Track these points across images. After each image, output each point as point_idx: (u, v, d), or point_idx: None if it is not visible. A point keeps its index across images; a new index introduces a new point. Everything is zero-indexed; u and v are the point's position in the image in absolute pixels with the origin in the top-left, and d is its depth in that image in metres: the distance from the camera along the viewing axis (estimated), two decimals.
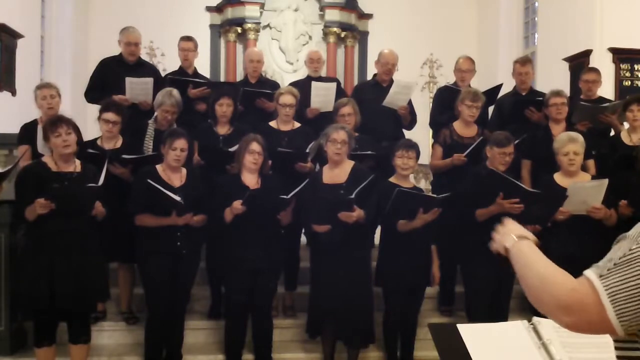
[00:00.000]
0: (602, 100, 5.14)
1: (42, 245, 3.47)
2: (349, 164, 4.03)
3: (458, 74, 5.28)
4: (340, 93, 5.47)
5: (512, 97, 5.25)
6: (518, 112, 4.97)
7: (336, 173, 4.00)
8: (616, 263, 1.08)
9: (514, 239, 1.34)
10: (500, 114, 5.24)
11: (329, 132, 4.00)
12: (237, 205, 3.74)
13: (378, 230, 4.44)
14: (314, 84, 5.06)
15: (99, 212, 3.62)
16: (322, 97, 4.99)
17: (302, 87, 5.01)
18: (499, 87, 5.16)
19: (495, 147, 3.98)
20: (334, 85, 5.11)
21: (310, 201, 3.89)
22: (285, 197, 3.76)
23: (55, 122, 3.52)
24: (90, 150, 3.95)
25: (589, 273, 1.11)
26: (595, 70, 5.21)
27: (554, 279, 1.15)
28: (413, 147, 4.08)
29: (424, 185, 7.00)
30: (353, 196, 3.73)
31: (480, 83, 5.40)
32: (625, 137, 4.63)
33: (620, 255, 1.08)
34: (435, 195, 3.91)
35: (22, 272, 3.59)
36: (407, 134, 5.22)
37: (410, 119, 5.14)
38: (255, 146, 3.91)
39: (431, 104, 5.37)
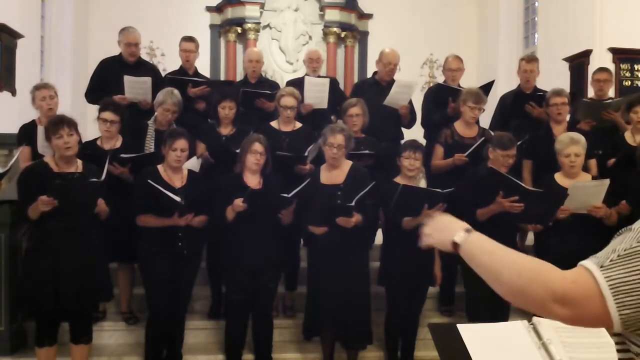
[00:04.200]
0: (610, 99, 5.15)
1: (45, 244, 3.47)
2: (347, 164, 4.03)
3: (448, 73, 5.28)
4: (338, 94, 5.48)
5: (515, 94, 5.25)
6: (519, 108, 4.97)
7: (334, 174, 4.00)
8: (620, 255, 1.06)
9: (463, 233, 1.28)
10: (503, 111, 5.24)
11: (326, 134, 4.00)
12: (238, 202, 3.74)
13: (379, 230, 4.44)
14: (307, 79, 5.07)
15: (102, 210, 3.61)
16: (315, 92, 4.99)
17: (300, 85, 5.01)
18: (491, 83, 5.14)
19: (499, 149, 3.98)
20: (327, 81, 5.11)
21: (308, 202, 3.88)
22: (286, 195, 3.76)
23: (57, 123, 3.51)
24: (88, 152, 3.94)
25: (588, 264, 1.08)
26: (606, 70, 5.20)
27: (547, 271, 1.11)
28: (419, 147, 4.08)
29: (425, 185, 6.99)
30: (353, 203, 3.72)
31: (480, 83, 5.39)
32: (629, 138, 4.62)
33: (626, 247, 1.06)
34: (440, 190, 3.90)
35: (26, 272, 3.58)
36: (406, 133, 5.22)
37: (410, 118, 5.14)
38: (257, 146, 3.91)
39: (422, 103, 5.33)
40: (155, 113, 4.58)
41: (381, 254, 4.23)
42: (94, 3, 9.14)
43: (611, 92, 6.37)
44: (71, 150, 3.51)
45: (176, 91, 4.55)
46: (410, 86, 5.05)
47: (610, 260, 1.06)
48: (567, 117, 4.79)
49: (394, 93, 4.92)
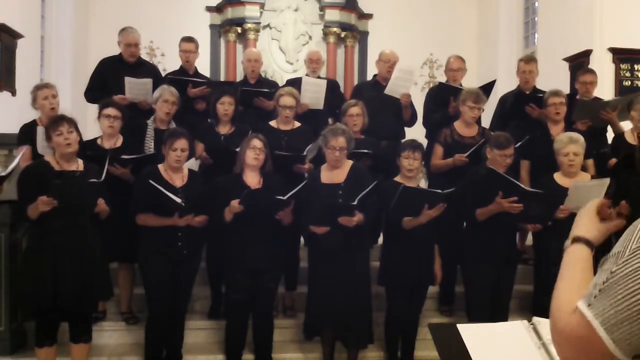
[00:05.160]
0: (599, 100, 5.14)
1: (44, 244, 3.46)
2: (347, 164, 4.03)
3: (449, 73, 5.28)
4: (338, 96, 5.48)
5: (515, 95, 5.25)
6: (518, 108, 4.96)
7: (335, 173, 4.00)
8: (601, 288, 1.05)
9: (569, 241, 1.34)
10: (502, 112, 5.24)
11: (327, 136, 3.99)
12: (235, 204, 3.74)
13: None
14: (304, 79, 5.06)
15: (102, 210, 3.61)
16: (312, 92, 4.98)
17: (299, 85, 5.01)
18: (492, 83, 5.14)
19: (496, 149, 3.98)
20: (324, 82, 5.10)
21: (309, 202, 3.88)
22: (281, 197, 3.76)
23: (57, 120, 3.52)
24: (89, 153, 3.94)
25: (580, 305, 1.07)
26: (591, 72, 5.19)
27: (560, 308, 1.11)
28: (418, 147, 4.08)
29: (425, 185, 7.00)
30: (355, 202, 3.72)
31: (480, 83, 5.40)
32: (629, 137, 4.62)
33: (604, 280, 1.06)
34: (440, 191, 3.91)
35: (25, 272, 3.58)
36: (408, 133, 5.21)
37: (411, 112, 5.13)
38: (256, 142, 3.91)
39: (424, 102, 5.33)
40: (155, 112, 4.57)
41: (381, 254, 4.23)
42: (94, 3, 9.13)
43: (610, 93, 6.39)
44: (71, 147, 3.51)
45: (173, 88, 4.55)
46: (411, 72, 5.04)
47: (594, 297, 1.06)
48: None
49: (394, 79, 4.89)
